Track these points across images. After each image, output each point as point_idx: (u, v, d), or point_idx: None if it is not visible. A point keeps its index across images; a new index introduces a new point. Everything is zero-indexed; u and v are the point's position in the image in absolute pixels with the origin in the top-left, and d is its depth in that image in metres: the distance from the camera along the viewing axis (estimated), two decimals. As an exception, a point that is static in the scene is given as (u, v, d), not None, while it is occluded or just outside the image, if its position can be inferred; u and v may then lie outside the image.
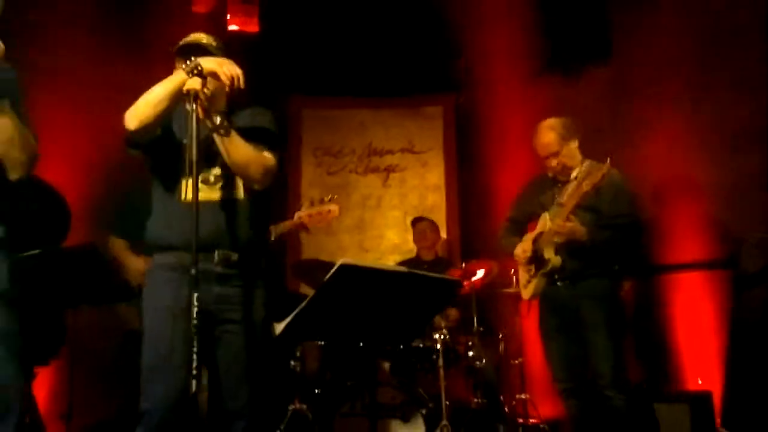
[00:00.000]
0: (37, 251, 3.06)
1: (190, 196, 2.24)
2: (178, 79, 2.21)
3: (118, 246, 3.55)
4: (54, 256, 3.24)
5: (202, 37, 2.42)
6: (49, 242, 3.27)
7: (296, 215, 3.48)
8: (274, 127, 2.51)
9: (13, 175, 2.02)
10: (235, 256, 2.33)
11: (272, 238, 3.49)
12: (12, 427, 1.93)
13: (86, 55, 4.34)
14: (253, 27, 5.03)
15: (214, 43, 2.40)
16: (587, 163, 3.37)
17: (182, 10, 4.87)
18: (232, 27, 4.98)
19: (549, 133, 3.36)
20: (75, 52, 4.33)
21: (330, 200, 3.48)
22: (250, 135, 2.37)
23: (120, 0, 4.51)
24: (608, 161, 3.13)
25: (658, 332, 4.40)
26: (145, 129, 2.25)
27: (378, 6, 5.31)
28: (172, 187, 2.35)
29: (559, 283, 3.32)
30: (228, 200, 2.35)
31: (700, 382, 4.12)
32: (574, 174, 3.35)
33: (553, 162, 3.36)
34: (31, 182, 2.19)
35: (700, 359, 4.22)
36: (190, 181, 2.21)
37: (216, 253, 2.28)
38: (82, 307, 3.59)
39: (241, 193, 2.39)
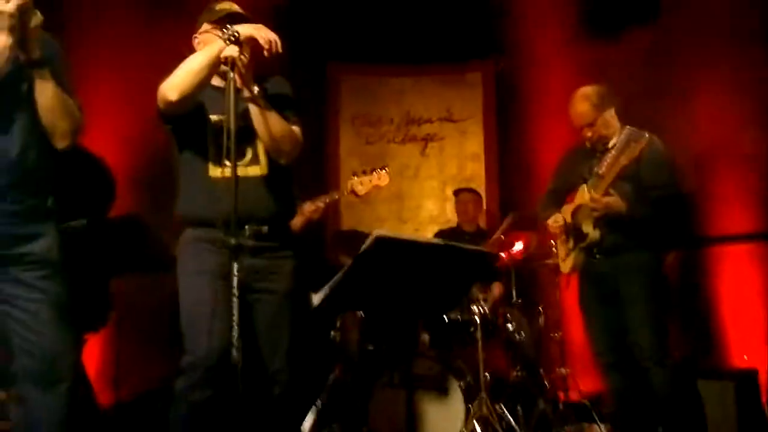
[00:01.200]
0: (83, 220, 3.13)
1: (218, 172, 2.29)
2: (216, 47, 2.22)
3: None
4: (100, 225, 3.31)
5: (234, 6, 2.43)
6: (94, 212, 3.34)
7: (348, 182, 3.64)
8: (295, 99, 2.53)
9: (60, 145, 2.05)
10: (265, 229, 2.37)
11: (323, 204, 3.69)
12: (65, 395, 1.98)
13: (130, 25, 4.37)
14: (289, -7, 4.97)
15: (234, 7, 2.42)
16: (626, 130, 3.28)
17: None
18: (270, -6, 4.94)
19: (583, 102, 3.29)
20: (118, 23, 4.35)
21: (381, 168, 3.63)
22: (277, 107, 2.38)
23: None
24: (647, 135, 3.04)
25: (704, 306, 4.32)
26: (185, 100, 2.26)
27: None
28: (200, 162, 2.38)
29: (598, 256, 3.27)
30: (256, 175, 2.39)
31: (746, 358, 4.04)
32: (612, 143, 3.29)
33: (588, 132, 3.29)
34: (77, 152, 2.24)
35: (746, 335, 4.14)
36: (218, 156, 2.25)
37: (247, 227, 2.31)
38: (127, 276, 3.68)
39: (266, 167, 2.42)
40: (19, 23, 1.85)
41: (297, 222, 3.79)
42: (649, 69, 4.67)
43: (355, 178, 3.63)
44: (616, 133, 3.30)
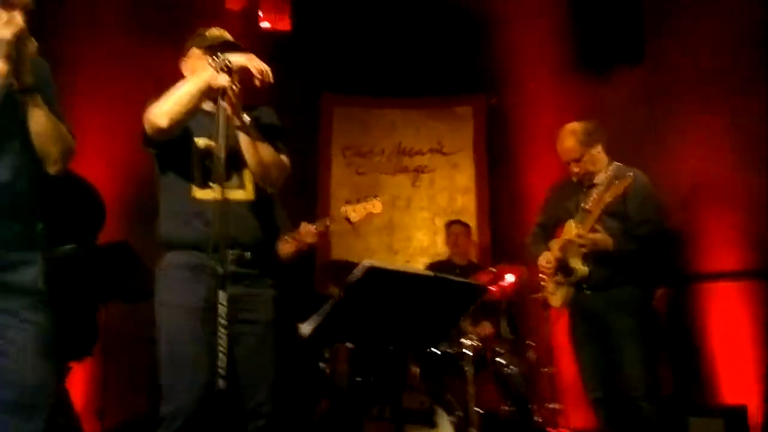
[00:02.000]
0: (71, 246, 3.10)
1: (200, 194, 2.29)
2: (207, 75, 2.21)
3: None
4: (88, 251, 3.28)
5: (226, 33, 2.43)
6: (84, 237, 3.31)
7: (342, 209, 3.65)
8: (283, 129, 2.52)
9: (52, 170, 2.03)
10: (248, 255, 2.34)
11: (317, 230, 3.69)
12: (43, 426, 1.93)
13: (121, 50, 4.40)
14: (284, 25, 5.05)
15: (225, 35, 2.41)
16: (613, 166, 3.32)
17: (215, 7, 4.91)
18: (264, 24, 5.00)
19: (570, 138, 3.33)
20: (110, 48, 4.38)
21: (374, 196, 3.66)
22: (265, 135, 2.37)
23: (155, -4, 4.56)
24: (631, 174, 3.07)
25: (693, 342, 4.31)
26: (175, 127, 2.24)
27: (409, 5, 5.29)
28: (184, 185, 2.35)
29: (587, 291, 3.27)
30: (241, 201, 2.36)
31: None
32: (598, 178, 3.32)
33: (576, 168, 3.33)
34: (68, 177, 2.22)
35: (736, 371, 4.12)
36: (203, 179, 2.25)
37: (230, 252, 2.24)
38: (114, 303, 3.64)
39: (252, 193, 2.40)
40: (14, 50, 1.86)
41: (289, 248, 3.79)
42: (637, 107, 4.75)
43: (349, 205, 3.64)
44: (603, 169, 3.33)
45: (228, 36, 2.42)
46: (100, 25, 4.36)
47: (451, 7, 5.17)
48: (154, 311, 2.92)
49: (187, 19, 4.44)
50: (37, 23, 1.97)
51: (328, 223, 3.80)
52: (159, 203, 2.43)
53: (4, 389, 1.91)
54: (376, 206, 3.58)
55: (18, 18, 1.87)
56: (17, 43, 1.85)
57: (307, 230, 3.69)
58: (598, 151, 3.33)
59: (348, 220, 3.62)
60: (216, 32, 2.43)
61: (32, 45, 1.92)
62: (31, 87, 1.93)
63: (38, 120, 1.96)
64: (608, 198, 3.08)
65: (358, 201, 3.63)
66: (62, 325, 2.69)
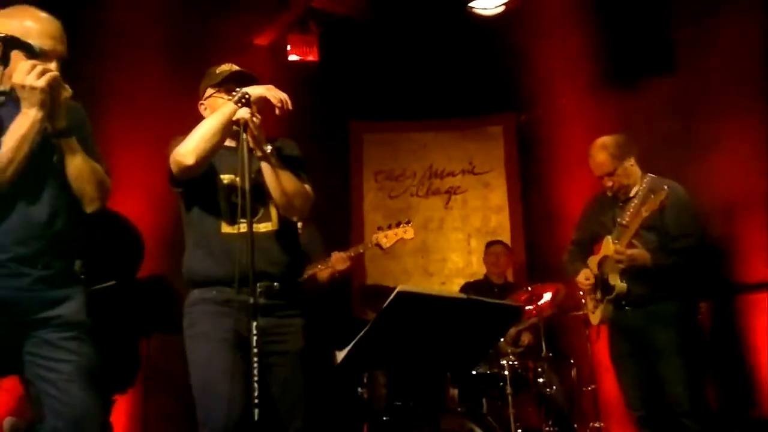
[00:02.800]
0: (112, 282, 3.18)
1: (231, 229, 2.32)
2: (227, 109, 2.25)
3: None
4: (128, 286, 3.36)
5: (233, 65, 2.46)
6: (123, 273, 3.40)
7: (373, 236, 3.75)
8: (304, 159, 2.54)
9: (89, 209, 2.12)
10: (276, 286, 2.36)
11: (349, 257, 3.79)
12: None
13: (156, 87, 4.52)
14: (313, 56, 5.13)
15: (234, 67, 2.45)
16: (648, 179, 3.28)
17: (244, 42, 5.03)
18: (293, 57, 5.10)
19: (601, 152, 3.31)
20: (145, 85, 4.51)
21: (407, 222, 3.77)
22: (288, 165, 2.40)
23: (186, 33, 4.67)
24: (666, 187, 3.03)
25: (739, 356, 4.18)
26: (201, 164, 2.28)
27: (435, 27, 5.33)
28: (210, 220, 2.38)
29: (627, 308, 3.22)
30: (267, 232, 2.39)
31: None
32: (633, 191, 3.28)
33: (609, 182, 3.30)
34: (105, 214, 2.30)
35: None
36: (230, 214, 2.29)
37: (258, 285, 2.25)
38: (154, 336, 3.70)
39: (277, 223, 2.42)
40: (49, 97, 1.94)
41: (324, 274, 3.86)
42: (670, 118, 4.67)
43: (380, 231, 3.69)
44: (638, 182, 3.29)
45: (236, 67, 2.45)
46: (135, 64, 4.49)
47: (477, 26, 5.19)
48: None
49: (217, 56, 4.56)
50: (75, 62, 2.07)
51: (361, 250, 3.85)
52: (185, 240, 2.46)
53: (57, 419, 1.98)
54: (408, 232, 3.66)
55: (52, 67, 1.96)
56: (51, 90, 1.94)
57: (339, 257, 3.74)
58: (631, 164, 3.30)
59: (379, 246, 3.68)
60: (225, 67, 2.47)
61: (66, 91, 2.01)
62: (65, 131, 2.03)
63: (74, 162, 2.05)
64: (645, 213, 3.04)
65: (390, 227, 3.67)
66: (105, 358, 2.76)
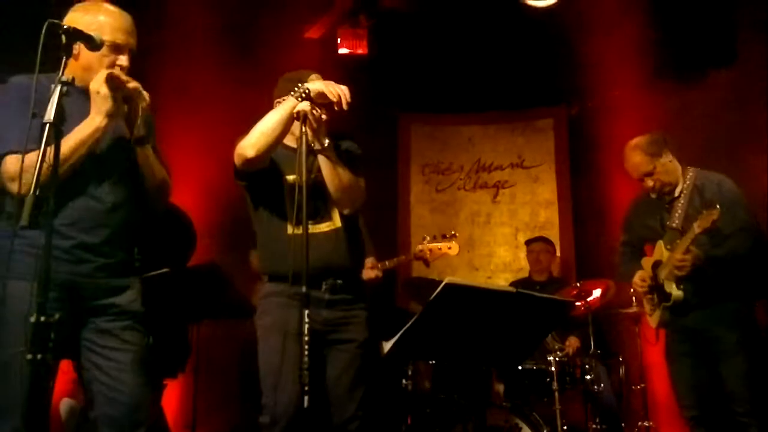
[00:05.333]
0: (165, 270, 3.27)
1: (292, 230, 2.41)
2: (288, 104, 2.33)
3: (255, 259, 3.74)
4: (180, 274, 3.44)
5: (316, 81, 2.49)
6: (176, 261, 3.48)
7: (418, 248, 3.71)
8: (361, 156, 2.61)
9: (156, 208, 2.27)
10: (340, 282, 2.45)
11: (388, 266, 3.75)
12: None
13: (212, 80, 4.61)
14: (362, 49, 5.14)
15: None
16: (692, 172, 3.19)
17: (295, 36, 5.08)
18: (343, 51, 5.12)
19: (635, 153, 3.23)
20: (201, 78, 4.60)
21: (451, 237, 3.69)
22: (344, 160, 2.48)
23: (238, 26, 4.75)
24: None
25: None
26: (261, 157, 2.36)
27: (485, 19, 5.28)
28: (278, 221, 2.48)
29: (689, 315, 3.14)
30: (328, 231, 2.47)
31: None
32: (678, 190, 3.20)
33: (650, 182, 3.21)
34: (162, 206, 2.38)
35: None
36: (294, 215, 2.35)
37: (324, 283, 2.40)
38: (205, 322, 3.79)
39: (338, 221, 2.50)
40: (122, 106, 2.05)
41: (405, 258, 3.86)
42: (729, 111, 4.53)
43: (425, 243, 3.66)
44: (679, 178, 3.21)
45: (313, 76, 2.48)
46: (189, 57, 4.59)
47: (527, 19, 5.12)
48: (242, 330, 3.00)
49: (269, 48, 4.63)
50: (137, 53, 2.14)
51: (403, 260, 3.82)
52: (256, 235, 2.58)
53: (109, 406, 2.05)
54: (453, 248, 3.64)
55: (123, 60, 2.05)
56: (129, 100, 2.06)
57: (368, 266, 3.61)
58: (669, 160, 3.21)
59: (424, 260, 3.67)
60: (314, 77, 2.49)
61: (144, 100, 2.10)
62: (143, 139, 2.14)
63: (146, 166, 2.16)
64: (697, 230, 2.95)
65: (435, 239, 3.64)
66: (157, 344, 2.84)
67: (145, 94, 2.10)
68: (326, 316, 2.37)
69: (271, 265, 2.49)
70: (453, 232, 3.70)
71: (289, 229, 2.45)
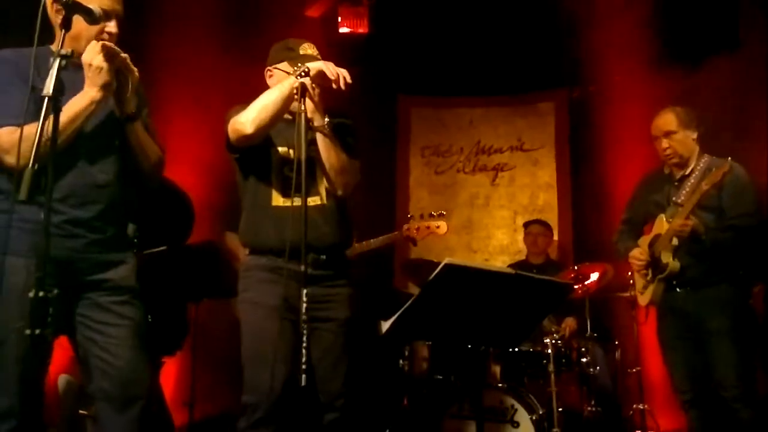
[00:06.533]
0: (163, 248, 3.26)
1: (281, 201, 2.40)
2: (288, 83, 2.32)
3: (232, 240, 3.73)
4: (179, 252, 3.44)
5: (308, 49, 2.50)
6: (174, 239, 3.48)
7: (404, 227, 3.60)
8: (357, 137, 2.60)
9: (148, 184, 2.23)
10: (323, 258, 2.43)
11: (373, 245, 3.66)
12: (138, 414, 2.06)
13: (208, 56, 4.58)
14: (363, 28, 5.11)
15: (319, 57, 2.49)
16: (706, 158, 3.19)
17: (296, 14, 5.04)
18: (343, 29, 5.09)
19: (669, 112, 3.26)
20: (197, 55, 4.57)
21: (439, 216, 3.58)
22: (341, 140, 2.46)
23: (238, 4, 4.71)
24: (729, 159, 2.94)
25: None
26: (260, 133, 2.35)
27: (487, 1, 5.24)
28: (264, 191, 2.47)
29: (678, 290, 3.15)
30: (315, 206, 2.44)
31: None
32: (689, 169, 3.21)
33: (665, 143, 3.21)
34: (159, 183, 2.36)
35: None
36: (283, 186, 2.35)
37: (307, 256, 2.32)
38: (203, 301, 3.79)
39: (325, 198, 2.49)
40: (116, 81, 2.01)
41: (393, 236, 3.80)
42: (732, 97, 4.51)
43: (412, 221, 3.58)
44: (694, 158, 3.21)
45: (311, 51, 2.49)
46: (187, 34, 4.55)
47: (530, 1, 5.08)
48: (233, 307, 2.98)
49: (269, 26, 4.59)
50: (127, 32, 2.11)
51: (391, 240, 3.75)
52: (242, 207, 2.55)
53: (105, 380, 2.05)
54: (441, 227, 3.52)
55: (112, 27, 2.01)
56: (118, 74, 2.01)
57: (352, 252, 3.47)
58: (693, 138, 3.22)
59: (411, 240, 3.59)
60: (309, 50, 2.50)
61: (133, 76, 2.06)
62: (132, 116, 2.10)
63: (136, 142, 2.13)
64: (705, 186, 2.95)
65: (422, 218, 3.57)
66: (155, 321, 2.83)
67: (134, 68, 2.06)
68: (309, 292, 2.32)
69: (256, 237, 2.47)
70: (442, 212, 3.58)
71: (275, 200, 2.44)
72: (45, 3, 1.97)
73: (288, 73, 2.38)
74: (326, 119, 2.41)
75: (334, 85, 2.29)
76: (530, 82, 5.55)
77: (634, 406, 3.90)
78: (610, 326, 4.35)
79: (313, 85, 2.29)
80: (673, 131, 3.20)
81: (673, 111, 3.24)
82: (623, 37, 4.87)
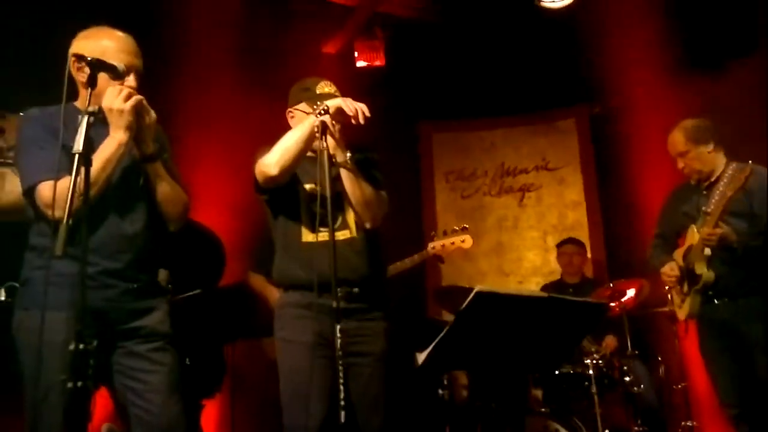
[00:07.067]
0: (198, 291, 3.30)
1: (310, 237, 2.43)
2: (309, 122, 2.36)
3: (257, 281, 3.75)
4: (213, 294, 3.47)
5: (326, 87, 2.55)
6: (207, 282, 3.51)
7: (429, 246, 3.58)
8: (382, 167, 2.61)
9: (172, 227, 2.25)
10: (356, 290, 2.43)
11: (399, 268, 3.62)
12: None
13: (228, 97, 4.65)
14: (379, 61, 5.17)
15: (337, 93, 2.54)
16: (733, 166, 3.15)
17: (313, 52, 5.12)
18: (360, 63, 5.15)
19: (678, 132, 3.26)
20: (223, 95, 4.64)
21: (462, 229, 3.53)
22: (365, 172, 2.48)
23: (255, 44, 4.79)
24: (750, 162, 2.91)
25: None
26: (285, 173, 2.39)
27: (502, 21, 5.25)
28: (293, 228, 2.49)
29: (716, 301, 3.09)
30: (345, 240, 2.46)
31: None
32: (714, 177, 3.18)
33: (680, 163, 3.23)
34: (188, 226, 2.39)
35: None
36: (311, 222, 2.38)
37: (338, 290, 2.30)
38: (239, 341, 3.81)
39: (354, 231, 2.50)
40: (135, 121, 2.05)
41: (418, 257, 3.76)
42: (754, 101, 4.44)
43: (436, 240, 3.55)
44: (719, 168, 3.17)
45: (335, 91, 2.54)
46: (206, 76, 4.62)
47: (544, 20, 5.09)
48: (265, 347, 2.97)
49: (287, 65, 4.67)
50: (147, 78, 2.16)
51: (418, 260, 3.72)
52: (274, 246, 2.58)
53: (142, 427, 2.06)
54: (466, 241, 3.49)
55: (131, 81, 2.06)
56: (137, 116, 2.05)
57: None
58: (708, 151, 3.19)
59: (438, 258, 3.56)
60: (326, 88, 2.55)
61: (150, 117, 2.11)
62: (152, 156, 2.14)
63: (160, 187, 2.17)
64: (729, 192, 2.93)
65: (445, 234, 3.54)
66: (193, 364, 2.85)
67: (150, 109, 2.10)
68: (343, 326, 2.32)
69: (287, 273, 2.49)
70: (464, 225, 3.54)
71: (305, 237, 2.47)
72: (69, 62, 2.03)
73: (307, 113, 2.42)
74: (348, 154, 2.44)
75: (353, 121, 2.32)
76: (549, 100, 5.54)
77: (682, 423, 3.78)
78: (652, 342, 4.25)
79: (333, 122, 2.33)
80: (685, 151, 3.19)
81: (682, 130, 3.23)
82: (638, 49, 4.84)
